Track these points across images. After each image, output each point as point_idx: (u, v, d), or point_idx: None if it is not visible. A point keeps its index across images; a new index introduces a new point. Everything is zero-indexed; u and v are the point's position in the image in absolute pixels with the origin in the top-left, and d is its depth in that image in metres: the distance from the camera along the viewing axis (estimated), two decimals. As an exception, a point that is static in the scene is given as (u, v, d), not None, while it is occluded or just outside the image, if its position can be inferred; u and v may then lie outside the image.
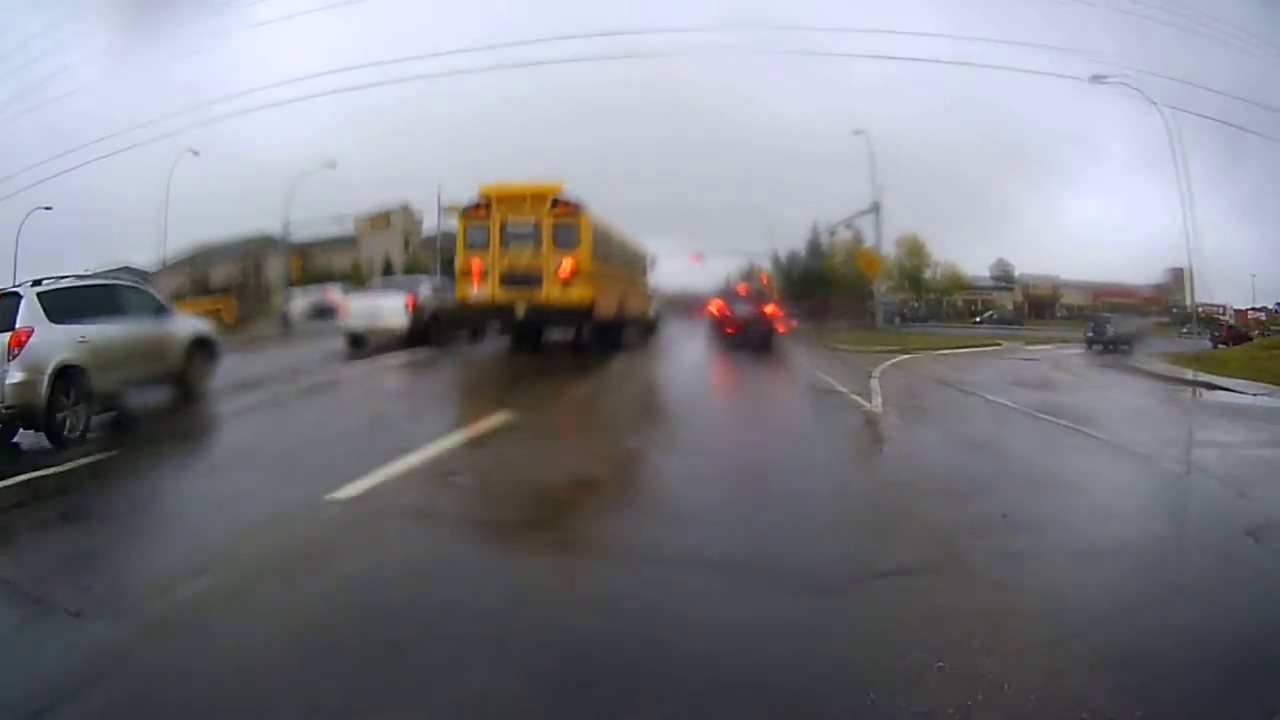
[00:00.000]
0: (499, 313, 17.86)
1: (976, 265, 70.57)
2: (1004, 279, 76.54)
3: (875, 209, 39.00)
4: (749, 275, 29.47)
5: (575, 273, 17.05)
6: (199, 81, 35.74)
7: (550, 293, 17.14)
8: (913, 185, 40.67)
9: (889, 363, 19.33)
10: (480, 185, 18.18)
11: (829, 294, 52.36)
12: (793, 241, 69.68)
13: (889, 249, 63.72)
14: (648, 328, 25.11)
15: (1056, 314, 73.94)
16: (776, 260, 51.24)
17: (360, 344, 19.47)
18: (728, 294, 23.46)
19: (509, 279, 17.42)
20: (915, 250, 57.81)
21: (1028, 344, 32.77)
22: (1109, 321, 33.18)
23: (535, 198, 17.60)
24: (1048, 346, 32.40)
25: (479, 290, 17.52)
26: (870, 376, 15.80)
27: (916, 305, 57.94)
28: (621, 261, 20.72)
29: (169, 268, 52.07)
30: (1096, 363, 24.83)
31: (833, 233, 45.78)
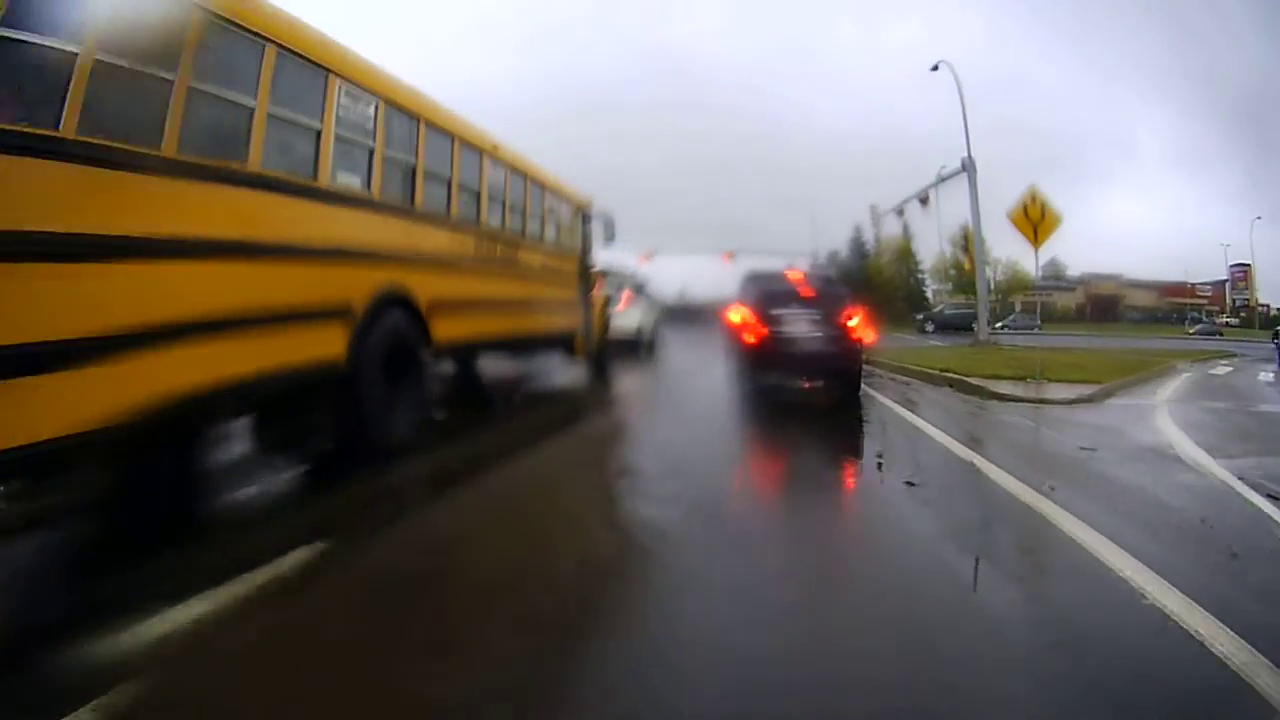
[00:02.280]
0: None
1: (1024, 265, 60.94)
2: (1057, 278, 66.08)
3: (969, 167, 27.39)
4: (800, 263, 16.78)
5: None
6: None
7: None
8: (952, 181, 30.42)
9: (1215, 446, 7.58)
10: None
11: (875, 296, 41.24)
12: (833, 243, 59.58)
13: (945, 246, 53.29)
14: (599, 357, 13.46)
15: (1121, 314, 64.01)
16: (816, 261, 40.36)
17: None
18: (767, 288, 11.25)
19: None
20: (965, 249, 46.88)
21: (1197, 359, 21.83)
22: (1302, 329, 24.69)
23: None
24: (1227, 365, 21.83)
25: None
26: None
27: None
28: (406, 187, 7.47)
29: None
30: None
31: (900, 212, 34.70)
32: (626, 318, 18.33)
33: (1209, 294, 67.91)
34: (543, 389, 12.06)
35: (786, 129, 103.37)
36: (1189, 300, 65.94)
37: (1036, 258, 13.13)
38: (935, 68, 28.71)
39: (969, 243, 29.22)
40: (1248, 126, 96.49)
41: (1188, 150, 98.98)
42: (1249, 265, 63.37)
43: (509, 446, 7.37)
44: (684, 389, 13.03)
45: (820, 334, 10.41)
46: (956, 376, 13.05)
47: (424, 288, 7.10)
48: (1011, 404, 10.73)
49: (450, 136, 8.09)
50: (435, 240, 7.63)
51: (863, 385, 11.23)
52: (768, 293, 10.95)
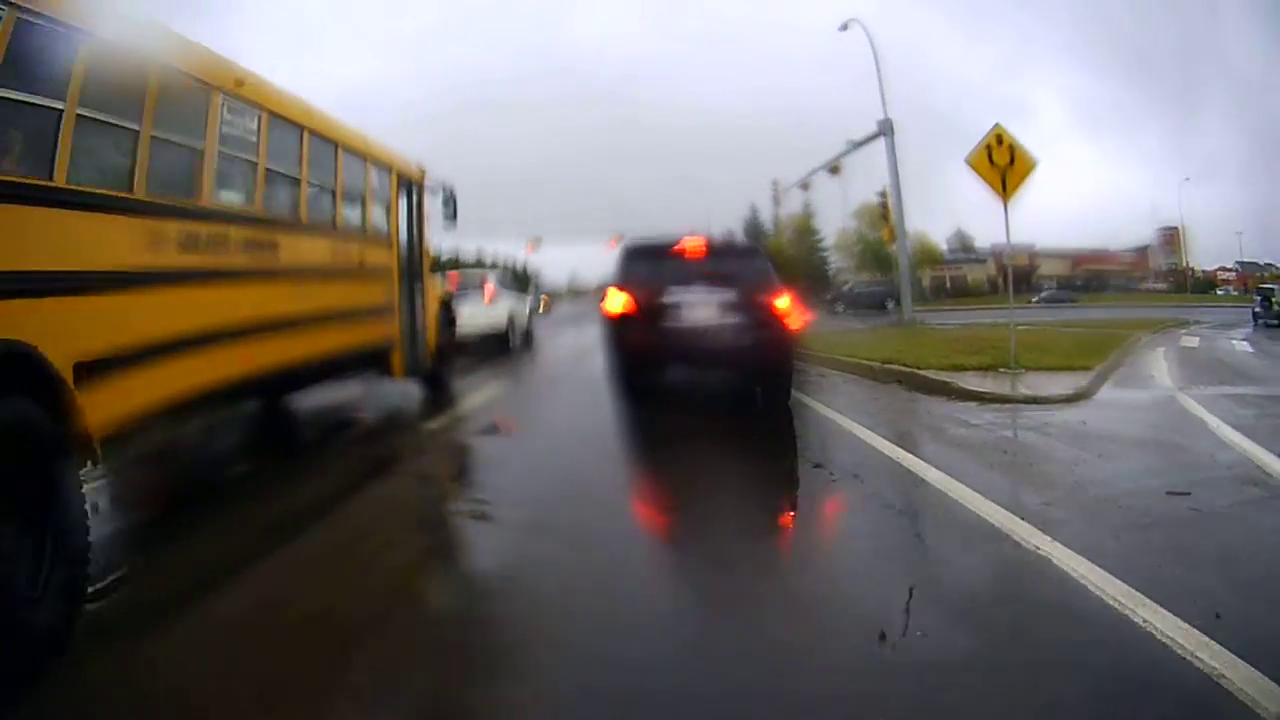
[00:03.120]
0: None
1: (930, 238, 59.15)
2: (966, 250, 64.50)
3: (887, 129, 24.70)
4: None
5: None
6: None
7: None
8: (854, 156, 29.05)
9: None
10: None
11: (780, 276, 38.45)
12: (730, 224, 56.31)
13: (848, 222, 50.96)
14: (435, 370, 9.77)
15: (1036, 285, 62.70)
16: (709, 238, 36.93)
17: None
18: (656, 265, 8.09)
19: None
20: (878, 221, 44.29)
21: (1154, 329, 19.77)
22: (1274, 294, 24.87)
23: None
24: (1189, 334, 20.27)
25: None
26: None
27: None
28: None
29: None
30: None
31: (805, 186, 31.86)
32: (491, 312, 15.52)
33: (1130, 259, 67.18)
34: (364, 415, 8.57)
35: (678, 114, 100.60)
36: (1108, 267, 65.18)
37: (1006, 215, 10.13)
38: (845, 26, 25.98)
39: (887, 211, 26.52)
40: (1171, 85, 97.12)
41: (1107, 113, 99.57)
42: (1177, 228, 62.59)
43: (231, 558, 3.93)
44: (551, 404, 9.70)
45: (735, 322, 7.44)
46: (905, 369, 10.09)
47: (65, 337, 3.71)
48: (997, 407, 7.78)
49: (139, 62, 4.48)
50: (97, 242, 4.14)
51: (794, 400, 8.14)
52: (657, 270, 7.88)
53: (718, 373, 8.14)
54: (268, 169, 6.18)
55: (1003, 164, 9.68)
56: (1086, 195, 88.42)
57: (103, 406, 3.96)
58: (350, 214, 8.03)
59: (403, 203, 9.42)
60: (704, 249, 8.24)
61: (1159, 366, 11.59)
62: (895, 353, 11.61)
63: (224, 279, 5.46)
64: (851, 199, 43.40)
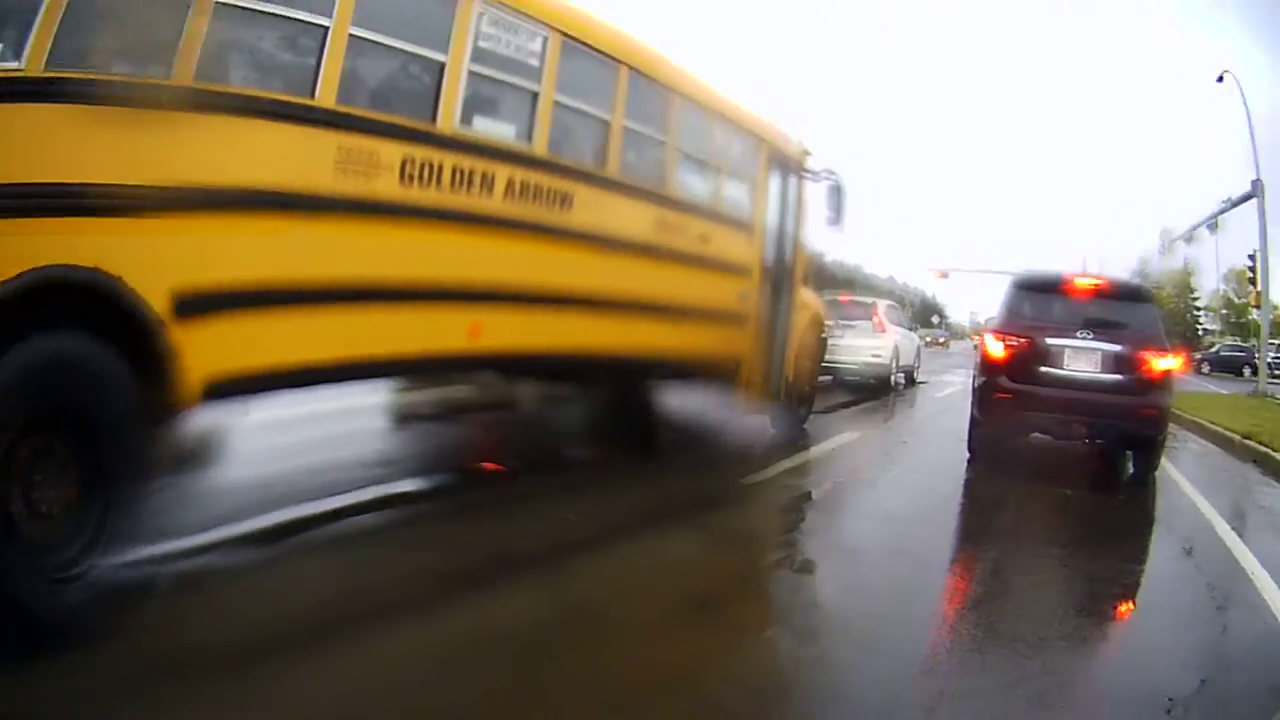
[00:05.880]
0: None
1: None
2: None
3: (1258, 190, 23.21)
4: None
5: None
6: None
7: None
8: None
9: None
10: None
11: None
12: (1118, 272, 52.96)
13: (1221, 284, 46.72)
14: (795, 403, 8.77)
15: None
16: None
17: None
18: (1043, 304, 8.02)
19: None
20: (1245, 284, 39.99)
21: None
22: None
23: None
24: None
25: None
26: None
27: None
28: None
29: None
30: None
31: (1188, 239, 30.28)
32: (874, 346, 14.75)
33: None
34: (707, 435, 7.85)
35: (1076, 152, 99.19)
36: None
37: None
38: (1220, 79, 24.41)
39: (1255, 274, 24.40)
40: None
41: None
42: None
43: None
44: (907, 462, 8.71)
45: (1118, 379, 7.25)
46: (1261, 449, 9.99)
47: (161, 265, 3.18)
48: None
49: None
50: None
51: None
52: (1041, 311, 7.85)
53: (1081, 426, 7.61)
54: (556, 100, 5.25)
55: None
56: None
57: (213, 351, 3.36)
58: (687, 180, 6.93)
59: (773, 186, 8.10)
60: (1096, 290, 7.92)
61: None
62: (1251, 427, 11.33)
63: (421, 218, 4.43)
64: (1225, 261, 40.60)
